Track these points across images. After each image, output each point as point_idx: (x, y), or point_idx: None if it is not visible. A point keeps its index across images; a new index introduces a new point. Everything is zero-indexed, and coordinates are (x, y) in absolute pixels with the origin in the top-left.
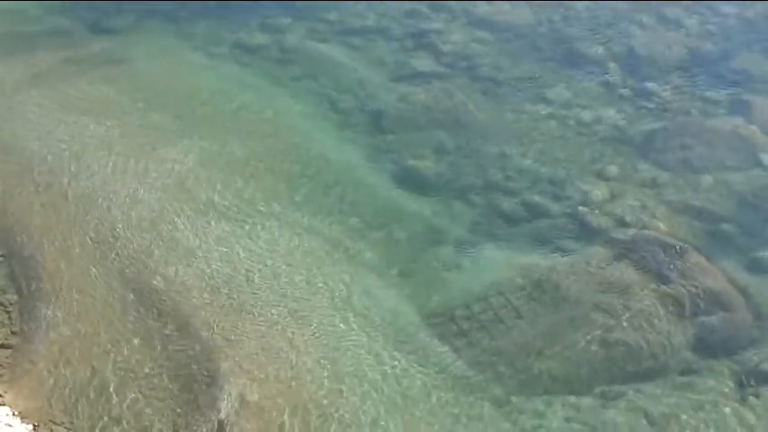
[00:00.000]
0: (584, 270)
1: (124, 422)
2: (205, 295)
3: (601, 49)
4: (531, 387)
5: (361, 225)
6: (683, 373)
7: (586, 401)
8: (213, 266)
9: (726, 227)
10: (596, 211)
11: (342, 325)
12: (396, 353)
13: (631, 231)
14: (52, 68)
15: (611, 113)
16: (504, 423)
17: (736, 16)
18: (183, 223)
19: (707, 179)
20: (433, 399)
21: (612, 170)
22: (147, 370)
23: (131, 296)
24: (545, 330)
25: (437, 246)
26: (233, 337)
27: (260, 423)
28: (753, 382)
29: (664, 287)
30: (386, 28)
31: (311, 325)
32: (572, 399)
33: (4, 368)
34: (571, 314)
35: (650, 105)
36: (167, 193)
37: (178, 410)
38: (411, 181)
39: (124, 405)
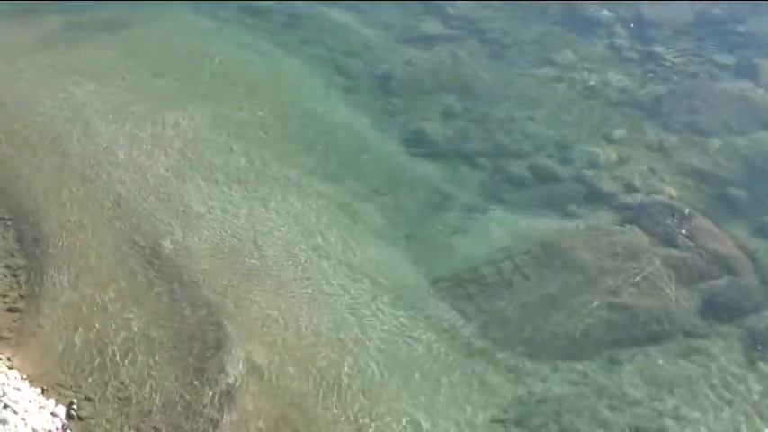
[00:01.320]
0: (592, 234)
1: (131, 386)
2: (213, 259)
3: (608, 13)
4: (539, 351)
5: (369, 189)
6: (690, 336)
7: (594, 366)
8: (221, 230)
9: (733, 191)
10: (604, 175)
11: (349, 289)
12: (403, 317)
13: (639, 195)
14: (56, 34)
15: (618, 77)
16: (512, 387)
17: None
18: (191, 187)
19: (715, 143)
20: (441, 362)
21: (620, 134)
22: (154, 334)
23: (139, 260)
24: (552, 295)
25: (444, 210)
26: (240, 302)
27: (268, 387)
28: (760, 346)
29: (671, 251)
30: None
31: (318, 289)
32: (579, 363)
33: (12, 332)
34: (579, 278)
35: (658, 69)
36: (174, 157)
37: (186, 374)
38: (418, 145)
39: (131, 369)
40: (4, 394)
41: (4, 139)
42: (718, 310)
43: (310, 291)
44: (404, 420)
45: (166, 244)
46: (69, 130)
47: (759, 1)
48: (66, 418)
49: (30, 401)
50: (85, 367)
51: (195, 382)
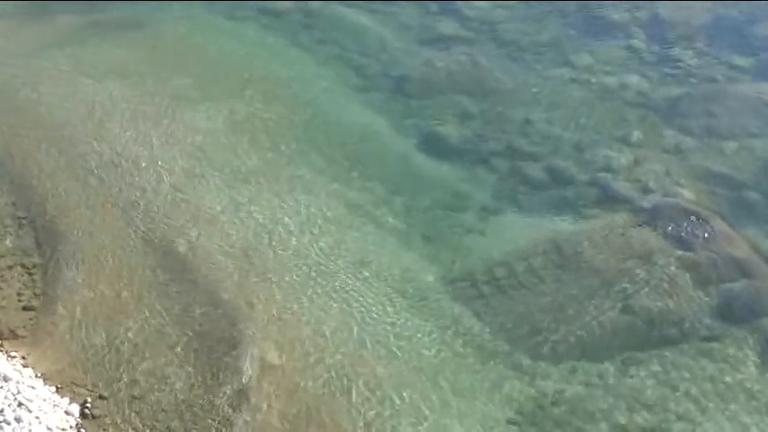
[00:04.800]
0: (607, 236)
1: (145, 385)
2: (227, 259)
3: (626, 15)
4: (554, 353)
5: (384, 189)
6: (705, 339)
7: (608, 367)
8: (236, 230)
9: (750, 194)
10: (620, 178)
11: (363, 289)
12: (418, 317)
13: (655, 198)
14: (75, 33)
15: (635, 79)
16: (526, 388)
17: None
18: (206, 187)
19: (731, 145)
20: (455, 364)
21: (637, 136)
22: (168, 333)
23: (153, 260)
24: (567, 296)
25: (460, 211)
26: (255, 301)
27: (282, 386)
28: None
29: (687, 254)
30: None
31: (333, 289)
32: (594, 365)
33: (27, 330)
34: (594, 280)
35: (675, 71)
36: (190, 156)
37: (200, 373)
38: (434, 146)
39: (145, 368)
40: (19, 392)
41: (20, 138)
42: (733, 313)
43: (324, 291)
44: (417, 420)
45: (181, 244)
46: (86, 130)
47: None
48: (79, 417)
49: (44, 400)
50: (99, 366)
51: (209, 381)
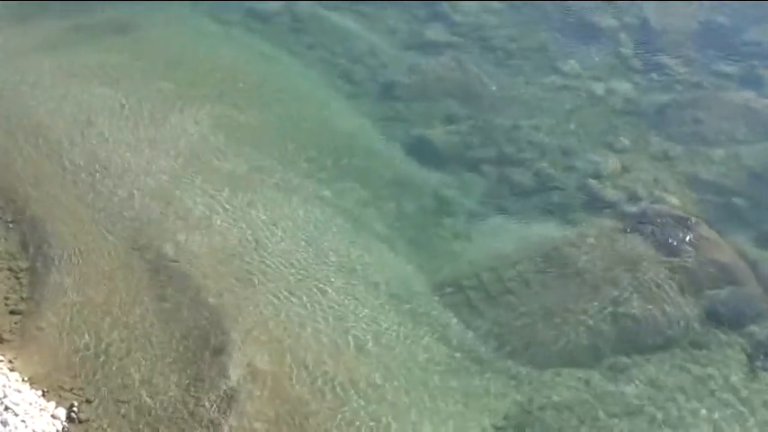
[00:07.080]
0: (595, 242)
1: (132, 389)
2: (215, 263)
3: (613, 21)
4: (540, 358)
5: (372, 195)
6: (692, 345)
7: (595, 374)
8: (223, 234)
9: (736, 200)
10: (607, 184)
11: (351, 294)
12: (405, 323)
13: (642, 204)
14: (63, 35)
15: (622, 85)
16: (513, 395)
17: None
18: (194, 191)
19: (718, 152)
20: (442, 369)
21: (624, 142)
22: (156, 337)
23: (141, 263)
24: (554, 302)
25: (447, 216)
26: (243, 305)
27: (269, 391)
28: (761, 355)
29: (674, 260)
30: None
31: (320, 294)
32: (581, 371)
33: (13, 334)
34: (581, 286)
35: (662, 78)
36: (178, 160)
37: (187, 378)
38: (422, 151)
39: (133, 372)
40: (5, 396)
41: (6, 141)
42: (720, 319)
43: (311, 296)
44: (404, 426)
45: (168, 247)
46: (73, 133)
47: (764, 10)
48: (66, 421)
49: (30, 404)
50: (86, 370)
51: (196, 386)
